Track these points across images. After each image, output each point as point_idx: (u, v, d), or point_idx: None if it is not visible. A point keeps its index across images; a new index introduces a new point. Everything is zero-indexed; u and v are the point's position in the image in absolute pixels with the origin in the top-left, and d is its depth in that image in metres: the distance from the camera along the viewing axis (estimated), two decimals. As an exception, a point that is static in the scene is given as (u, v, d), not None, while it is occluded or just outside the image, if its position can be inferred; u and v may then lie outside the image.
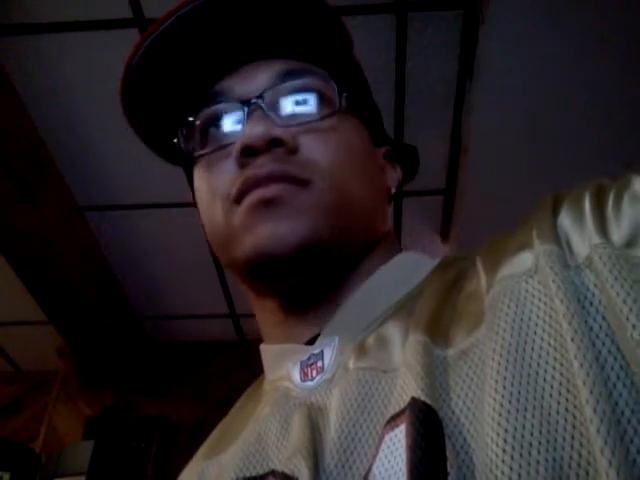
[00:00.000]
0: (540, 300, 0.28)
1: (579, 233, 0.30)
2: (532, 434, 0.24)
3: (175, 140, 0.48)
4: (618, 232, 0.28)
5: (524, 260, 0.31)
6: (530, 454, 0.24)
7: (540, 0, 1.26)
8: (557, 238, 0.30)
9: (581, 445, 0.23)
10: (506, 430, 0.25)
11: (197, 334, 2.24)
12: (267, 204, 0.41)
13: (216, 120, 0.46)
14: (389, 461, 0.28)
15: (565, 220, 0.32)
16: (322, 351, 0.41)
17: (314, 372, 0.40)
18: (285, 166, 0.42)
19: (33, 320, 2.11)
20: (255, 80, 0.46)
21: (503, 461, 0.24)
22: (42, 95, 1.47)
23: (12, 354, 2.35)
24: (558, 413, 0.24)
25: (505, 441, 0.24)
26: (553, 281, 0.28)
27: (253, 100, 0.44)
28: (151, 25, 0.46)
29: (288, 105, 0.45)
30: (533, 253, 0.31)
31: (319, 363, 0.40)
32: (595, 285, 0.27)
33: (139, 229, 1.83)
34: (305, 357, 0.41)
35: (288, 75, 0.45)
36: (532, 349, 0.27)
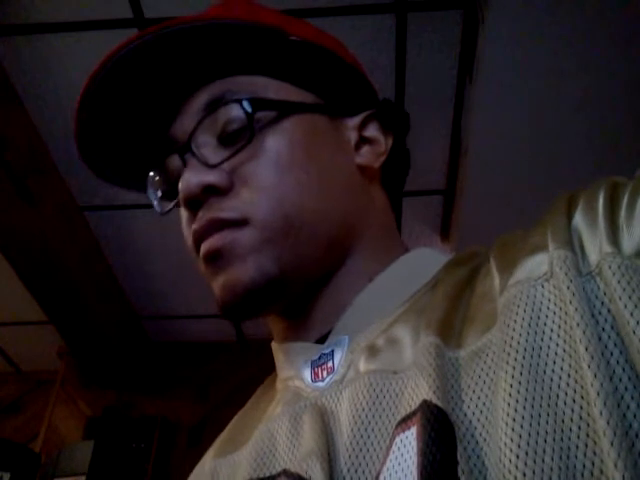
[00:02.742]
0: (556, 305, 0.28)
1: (592, 239, 0.30)
2: (546, 441, 0.24)
3: (147, 193, 0.48)
4: (629, 241, 0.28)
5: (539, 264, 0.31)
6: (544, 461, 0.24)
7: (540, 0, 1.26)
8: (571, 242, 0.30)
9: (594, 454, 0.23)
10: (520, 436, 0.25)
11: (197, 334, 2.24)
12: (212, 258, 0.42)
13: (167, 172, 0.47)
14: (399, 463, 0.28)
15: (579, 224, 0.31)
16: (332, 351, 0.41)
17: (324, 372, 0.40)
18: (220, 213, 0.42)
19: (33, 320, 2.11)
20: (185, 121, 0.45)
21: (517, 467, 0.24)
22: (42, 95, 1.47)
23: (12, 354, 2.35)
24: (572, 421, 0.24)
25: (519, 446, 0.24)
26: (568, 288, 0.28)
27: (184, 147, 0.43)
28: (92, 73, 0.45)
29: (214, 141, 0.44)
30: (548, 257, 0.31)
31: (329, 363, 0.40)
32: (604, 294, 0.27)
33: (139, 229, 1.83)
34: (316, 357, 0.41)
35: (210, 106, 0.44)
36: (547, 355, 0.27)
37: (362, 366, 0.37)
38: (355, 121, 0.48)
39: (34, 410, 2.26)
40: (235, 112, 0.43)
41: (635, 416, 0.23)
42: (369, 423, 0.32)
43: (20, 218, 1.55)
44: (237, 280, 0.41)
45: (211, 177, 0.42)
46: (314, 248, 0.42)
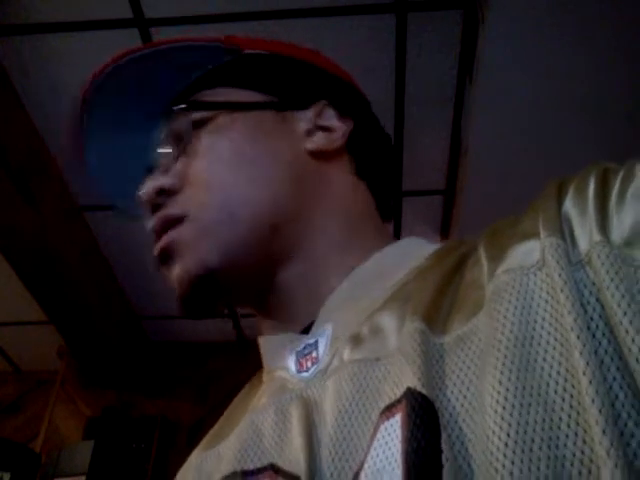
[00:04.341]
0: (548, 294, 0.28)
1: (582, 227, 0.30)
2: (534, 430, 0.24)
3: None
4: (619, 230, 0.28)
5: (531, 251, 0.31)
6: (532, 450, 0.24)
7: (540, 0, 1.26)
8: (562, 230, 0.30)
9: (584, 442, 0.23)
10: (509, 424, 0.25)
11: (197, 334, 2.24)
12: (161, 259, 0.45)
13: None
14: (384, 451, 0.28)
15: (569, 210, 0.31)
16: (317, 341, 0.40)
17: (309, 363, 0.40)
18: (164, 212, 0.45)
19: (33, 320, 2.11)
20: (157, 139, 0.50)
21: (505, 455, 0.24)
22: (42, 95, 1.47)
23: (12, 354, 2.35)
24: (562, 409, 0.24)
25: (508, 435, 0.24)
26: (560, 276, 0.28)
27: (153, 164, 0.49)
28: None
29: (166, 150, 0.49)
30: (540, 244, 0.31)
31: (314, 353, 0.40)
32: (593, 283, 0.27)
33: (139, 229, 1.83)
34: (300, 347, 0.41)
35: (169, 121, 0.49)
36: (538, 344, 0.27)
37: (346, 355, 0.37)
38: (309, 112, 0.49)
39: (34, 410, 2.25)
40: (181, 120, 0.48)
41: (623, 406, 0.23)
42: (352, 412, 0.32)
43: (20, 218, 1.55)
44: (181, 277, 0.43)
45: (162, 180, 0.46)
46: (255, 236, 0.43)
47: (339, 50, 1.42)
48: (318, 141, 0.48)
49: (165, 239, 0.45)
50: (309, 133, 0.48)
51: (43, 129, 1.54)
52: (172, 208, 0.45)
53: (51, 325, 2.01)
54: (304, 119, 0.49)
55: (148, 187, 0.46)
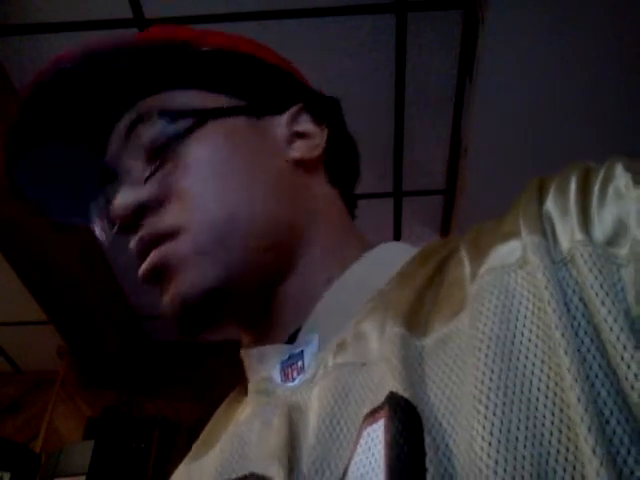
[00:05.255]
0: (529, 292, 0.28)
1: (563, 226, 0.30)
2: (518, 428, 0.24)
3: (93, 224, 0.48)
4: (600, 229, 0.28)
5: (512, 250, 0.31)
6: (516, 448, 0.24)
7: (539, 1, 1.26)
8: (543, 228, 0.30)
9: (568, 439, 0.23)
10: (493, 423, 0.24)
11: (197, 334, 2.24)
12: (150, 278, 0.42)
13: (100, 206, 0.47)
14: (367, 457, 0.28)
15: (551, 209, 0.31)
16: (302, 351, 0.40)
17: (295, 372, 0.39)
18: (152, 228, 0.42)
19: (33, 320, 2.11)
20: (112, 149, 0.46)
21: (489, 455, 0.24)
22: (42, 95, 1.47)
23: (12, 354, 2.35)
24: (545, 407, 0.24)
25: (491, 434, 0.24)
26: (543, 274, 0.27)
27: (112, 176, 0.45)
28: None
29: (141, 163, 0.44)
30: (521, 243, 0.31)
31: (299, 363, 0.39)
32: (576, 282, 0.27)
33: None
34: (285, 357, 0.41)
35: (130, 129, 0.45)
36: (521, 342, 0.27)
37: (331, 363, 0.37)
38: (284, 117, 0.47)
39: (34, 410, 2.26)
40: (153, 129, 0.44)
41: (606, 403, 0.23)
42: (335, 418, 0.32)
43: (20, 218, 1.55)
44: (181, 295, 0.40)
45: (139, 194, 0.42)
46: (253, 252, 0.41)
47: (339, 50, 1.42)
48: (299, 150, 0.46)
49: (157, 254, 0.41)
50: (289, 141, 0.47)
51: (43, 129, 1.54)
52: (160, 223, 0.41)
53: (51, 325, 2.02)
54: (280, 125, 0.47)
55: (123, 203, 0.42)
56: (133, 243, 0.43)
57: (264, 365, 0.42)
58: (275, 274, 0.43)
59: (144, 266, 0.42)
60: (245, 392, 0.45)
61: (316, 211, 0.46)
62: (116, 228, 0.43)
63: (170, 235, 0.41)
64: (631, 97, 1.41)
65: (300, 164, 0.46)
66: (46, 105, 0.46)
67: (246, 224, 0.42)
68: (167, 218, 0.42)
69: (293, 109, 0.48)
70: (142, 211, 0.42)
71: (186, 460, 0.44)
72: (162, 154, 0.43)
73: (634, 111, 1.43)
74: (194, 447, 0.45)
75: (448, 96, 1.51)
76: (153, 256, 0.41)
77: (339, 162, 0.50)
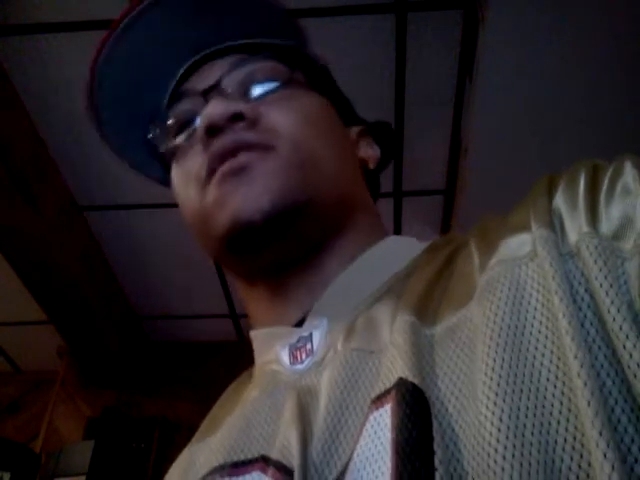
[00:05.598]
0: (539, 284, 0.29)
1: (571, 220, 0.30)
2: (527, 416, 0.24)
3: (150, 137, 0.49)
4: (607, 223, 0.28)
5: (522, 243, 0.31)
6: (524, 435, 0.24)
7: (539, 1, 1.26)
8: (552, 223, 0.31)
9: (575, 428, 0.23)
10: (502, 410, 0.25)
11: (197, 334, 2.24)
12: (236, 173, 0.41)
13: (182, 115, 0.48)
14: (373, 441, 0.28)
15: (560, 205, 0.32)
16: (311, 333, 0.40)
17: (303, 355, 0.39)
18: (247, 135, 0.42)
19: (33, 320, 2.11)
20: (212, 73, 0.47)
21: (497, 440, 0.24)
22: (42, 95, 1.47)
23: (12, 354, 2.35)
24: (553, 396, 0.25)
25: (500, 420, 0.25)
26: (551, 265, 0.28)
27: (210, 87, 0.45)
28: (109, 28, 0.48)
29: (245, 85, 0.46)
30: (531, 236, 0.31)
31: (308, 346, 0.40)
32: (582, 274, 0.27)
33: (139, 229, 1.83)
34: (294, 340, 0.41)
35: (242, 62, 0.47)
36: (530, 333, 0.27)
37: (340, 345, 0.37)
38: (354, 129, 0.53)
39: (34, 410, 2.26)
40: (268, 64, 0.47)
41: (611, 392, 0.23)
42: (344, 401, 0.32)
43: (20, 218, 1.55)
44: (265, 193, 0.40)
45: (239, 106, 0.43)
46: (329, 198, 0.44)
47: (339, 50, 1.42)
48: (364, 154, 0.52)
49: (246, 157, 0.41)
50: (357, 144, 0.52)
51: (43, 129, 1.54)
52: (254, 135, 0.43)
53: (51, 325, 2.02)
54: (350, 130, 0.52)
55: (218, 109, 0.43)
56: (214, 144, 0.43)
57: (272, 347, 0.42)
58: (332, 225, 0.45)
59: (231, 163, 0.42)
60: (251, 375, 0.46)
61: (365, 200, 0.50)
62: (200, 129, 0.44)
63: (263, 147, 0.42)
64: (631, 97, 1.41)
65: (362, 163, 0.52)
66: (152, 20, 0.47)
67: (326, 170, 0.44)
68: (261, 135, 0.43)
69: (362, 127, 0.54)
70: (235, 119, 0.43)
71: (190, 444, 0.44)
72: (265, 92, 0.45)
73: (634, 111, 1.43)
74: (198, 431, 0.46)
75: (448, 96, 1.51)
76: (243, 158, 0.42)
77: (377, 178, 0.56)
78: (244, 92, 0.46)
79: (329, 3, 1.34)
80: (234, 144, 0.42)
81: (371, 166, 0.52)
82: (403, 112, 1.54)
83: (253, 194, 0.40)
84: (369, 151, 0.53)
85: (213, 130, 0.42)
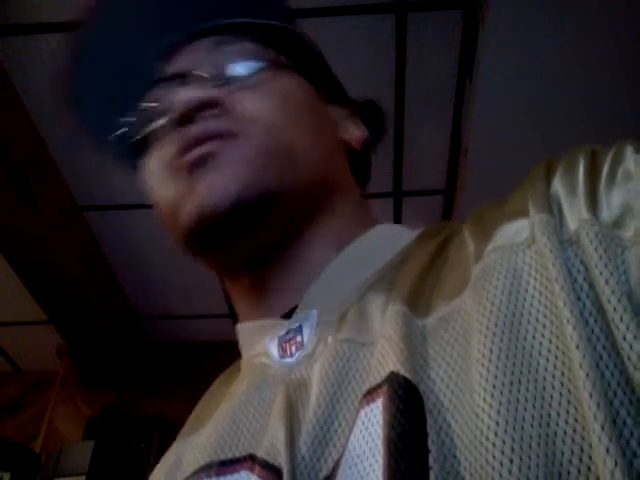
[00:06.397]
0: (537, 271, 0.28)
1: (570, 206, 0.29)
2: (526, 408, 0.24)
3: (125, 125, 0.47)
4: (608, 210, 0.28)
5: (520, 229, 0.30)
6: (523, 428, 0.23)
7: (539, 1, 1.26)
8: (551, 208, 0.30)
9: (576, 420, 0.23)
10: (500, 402, 0.24)
11: (197, 334, 2.24)
12: (201, 163, 0.40)
13: (156, 102, 0.46)
14: (364, 437, 0.27)
15: (558, 190, 0.31)
16: (301, 325, 0.39)
17: (293, 348, 0.38)
18: (217, 123, 0.41)
19: (33, 320, 2.11)
20: (189, 56, 0.45)
21: (495, 433, 0.23)
22: (42, 95, 1.47)
23: (12, 354, 2.35)
24: (553, 387, 0.24)
25: (498, 413, 0.24)
26: (551, 251, 0.27)
27: (185, 72, 0.44)
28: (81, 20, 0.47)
29: (221, 69, 0.44)
30: (529, 222, 0.30)
31: (298, 338, 0.38)
32: (582, 262, 0.27)
33: (139, 229, 1.83)
34: (283, 332, 0.39)
35: (222, 44, 0.45)
36: (528, 321, 0.26)
37: (331, 338, 0.36)
38: (338, 108, 0.51)
39: (34, 410, 2.26)
40: (247, 46, 0.45)
41: (610, 384, 0.23)
42: (334, 394, 0.31)
43: (20, 218, 1.55)
44: (231, 181, 0.39)
45: (212, 92, 0.42)
46: (300, 180, 0.42)
47: (339, 50, 1.42)
48: (350, 133, 0.50)
49: (212, 145, 0.40)
50: (340, 125, 0.50)
51: (43, 129, 1.54)
52: (222, 123, 0.41)
53: (51, 325, 2.02)
54: (335, 110, 0.50)
55: (192, 94, 0.41)
56: (181, 133, 0.41)
57: (259, 340, 0.41)
58: (307, 213, 0.43)
59: (196, 152, 0.40)
60: (238, 369, 0.44)
61: (348, 185, 0.48)
62: (173, 116, 0.42)
63: (232, 135, 0.40)
64: (631, 97, 1.41)
65: (345, 144, 0.49)
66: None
67: (301, 156, 0.42)
68: (231, 122, 0.41)
69: (350, 108, 0.52)
70: (207, 106, 0.41)
71: (178, 439, 0.43)
72: (247, 73, 0.44)
73: (634, 111, 1.43)
74: (186, 425, 0.44)
75: (448, 96, 1.51)
76: (206, 146, 0.40)
77: (362, 162, 0.53)
78: (220, 76, 0.44)
79: (329, 3, 1.34)
80: (203, 133, 0.40)
81: (356, 147, 0.50)
82: (403, 112, 1.54)
83: (219, 182, 0.39)
84: (355, 132, 0.50)
85: (184, 119, 0.41)
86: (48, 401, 2.19)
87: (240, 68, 0.44)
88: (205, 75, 0.43)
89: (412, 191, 1.76)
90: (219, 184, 0.39)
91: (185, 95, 0.41)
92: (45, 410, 2.17)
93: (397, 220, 1.83)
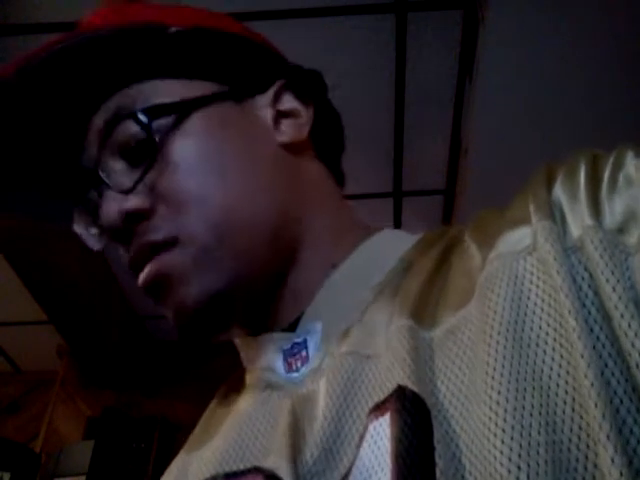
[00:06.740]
0: (539, 278, 0.28)
1: (573, 212, 0.29)
2: (532, 415, 0.24)
3: (75, 230, 0.45)
4: (611, 216, 0.28)
5: (522, 237, 0.30)
6: (530, 435, 0.23)
7: (539, 1, 1.26)
8: (553, 215, 0.30)
9: (580, 428, 0.23)
10: (506, 410, 0.24)
11: (197, 334, 2.24)
12: (152, 289, 0.39)
13: (86, 207, 0.44)
14: (373, 451, 0.27)
15: (560, 196, 0.31)
16: (306, 339, 0.38)
17: (299, 362, 0.38)
18: (147, 237, 0.39)
19: (33, 320, 2.11)
20: (89, 148, 0.42)
21: (502, 441, 0.24)
22: (42, 95, 1.47)
23: (12, 354, 2.35)
24: (557, 395, 0.24)
25: (505, 420, 0.24)
26: (555, 259, 0.27)
27: (94, 179, 0.41)
28: None
29: (123, 164, 0.40)
30: (531, 229, 0.30)
31: (303, 353, 0.38)
32: (585, 269, 0.26)
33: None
34: (288, 346, 0.39)
35: (107, 127, 0.41)
36: (531, 329, 0.26)
37: (337, 352, 0.36)
38: (267, 97, 0.44)
39: (34, 410, 2.26)
40: (132, 128, 0.40)
41: (616, 392, 0.23)
42: (340, 407, 0.31)
43: (20, 218, 1.55)
44: (183, 304, 0.38)
45: (129, 203, 0.39)
46: (257, 248, 0.39)
47: (339, 50, 1.42)
48: (288, 131, 0.44)
49: (156, 265, 0.38)
50: (276, 123, 0.44)
51: (43, 129, 1.54)
52: (153, 233, 0.38)
53: (51, 325, 2.02)
54: (265, 106, 0.44)
55: (110, 213, 0.39)
56: (126, 253, 0.40)
57: (264, 354, 0.40)
58: (280, 267, 0.41)
59: (143, 277, 0.39)
60: (242, 381, 0.44)
61: (312, 195, 0.44)
62: (106, 238, 0.41)
63: (168, 244, 0.38)
64: (631, 97, 1.41)
65: (290, 147, 0.44)
66: (12, 107, 0.43)
67: (246, 219, 0.39)
68: (162, 225, 0.38)
69: (275, 87, 0.44)
70: (134, 219, 0.39)
71: (183, 451, 0.43)
72: (146, 154, 0.39)
73: (634, 111, 1.43)
74: (191, 437, 0.44)
75: (448, 96, 1.51)
76: (152, 266, 0.38)
77: (326, 136, 0.47)
78: (127, 166, 0.40)
79: (329, 3, 1.34)
80: (139, 251, 0.39)
81: (301, 137, 0.44)
82: (403, 112, 1.54)
83: (177, 307, 0.39)
84: (296, 121, 0.44)
85: (119, 236, 0.40)
86: (48, 401, 2.19)
87: (138, 157, 0.40)
88: (112, 176, 0.40)
89: (412, 191, 1.76)
90: (178, 306, 0.38)
91: (105, 213, 0.39)
92: (45, 410, 2.17)
93: (397, 220, 1.83)
